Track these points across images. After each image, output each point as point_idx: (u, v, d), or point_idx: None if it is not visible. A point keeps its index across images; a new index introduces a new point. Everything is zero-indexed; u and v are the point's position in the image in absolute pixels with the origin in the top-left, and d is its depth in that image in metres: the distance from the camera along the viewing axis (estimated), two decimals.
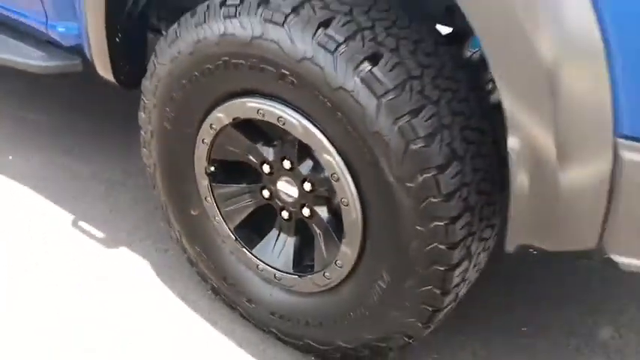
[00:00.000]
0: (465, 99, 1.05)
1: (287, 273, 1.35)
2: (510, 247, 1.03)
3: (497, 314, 1.53)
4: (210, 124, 1.27)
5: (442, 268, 1.08)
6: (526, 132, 0.90)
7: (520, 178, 0.95)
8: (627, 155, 0.86)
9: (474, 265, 1.16)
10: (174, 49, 1.24)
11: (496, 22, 0.89)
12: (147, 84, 1.35)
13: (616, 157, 0.87)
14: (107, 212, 1.83)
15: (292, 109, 1.13)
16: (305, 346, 1.39)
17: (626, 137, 0.85)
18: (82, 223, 1.77)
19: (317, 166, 1.20)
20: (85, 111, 2.32)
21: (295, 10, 1.06)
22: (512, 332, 1.49)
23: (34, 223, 1.78)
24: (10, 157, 2.05)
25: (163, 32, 1.43)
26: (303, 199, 1.26)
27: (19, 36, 1.79)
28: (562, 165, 0.90)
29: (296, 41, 1.05)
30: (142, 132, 1.43)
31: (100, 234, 1.74)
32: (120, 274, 1.62)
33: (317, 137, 1.12)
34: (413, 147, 1.00)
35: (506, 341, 1.47)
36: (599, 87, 0.83)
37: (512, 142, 0.92)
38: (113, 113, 2.22)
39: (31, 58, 1.72)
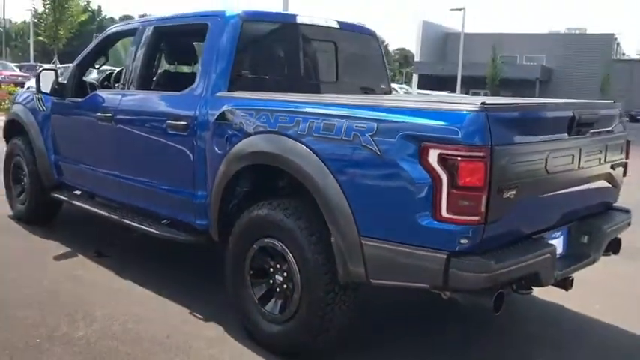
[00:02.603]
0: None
1: (276, 314, 3.23)
2: (342, 281, 2.92)
3: None
4: (252, 250, 3.32)
5: (323, 282, 2.97)
6: (336, 236, 2.88)
7: (337, 255, 2.89)
8: (364, 242, 2.81)
9: (340, 293, 3.01)
10: (240, 223, 3.36)
11: (322, 197, 2.93)
12: (231, 238, 3.45)
13: (362, 243, 2.81)
14: (211, 307, 3.80)
15: (277, 239, 3.16)
16: (276, 346, 3.20)
17: (362, 233, 2.80)
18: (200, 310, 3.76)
19: (288, 266, 3.17)
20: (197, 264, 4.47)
21: (281, 205, 3.19)
22: None
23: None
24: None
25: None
26: (284, 281, 3.21)
27: (174, 225, 4.04)
28: (347, 249, 2.86)
29: (277, 213, 3.14)
30: (228, 261, 3.48)
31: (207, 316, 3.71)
32: (216, 329, 3.54)
33: (285, 249, 3.11)
34: (312, 246, 3.00)
35: None
36: (350, 219, 2.83)
37: (332, 239, 2.90)
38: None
39: (183, 236, 3.92)
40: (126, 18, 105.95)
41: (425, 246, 2.64)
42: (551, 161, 2.89)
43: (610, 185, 3.57)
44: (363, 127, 2.79)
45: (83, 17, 15.96)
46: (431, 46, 59.25)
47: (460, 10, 41.43)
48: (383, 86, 4.74)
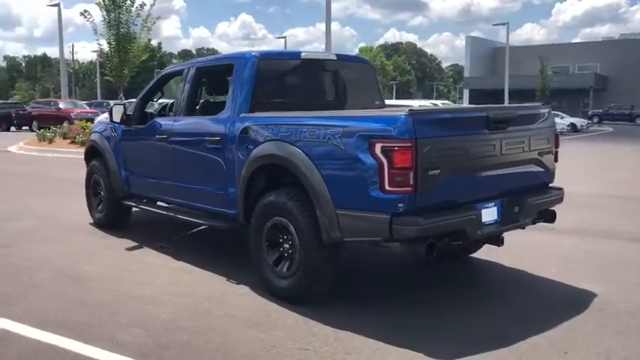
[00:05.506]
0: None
1: (284, 272, 4.43)
2: (326, 243, 4.09)
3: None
4: (266, 227, 4.54)
5: (314, 244, 4.15)
6: (319, 210, 4.06)
7: (321, 224, 4.06)
8: (338, 212, 3.98)
9: (327, 252, 4.18)
10: (258, 207, 4.59)
11: (308, 183, 4.12)
12: (252, 219, 4.68)
13: (337, 213, 3.98)
14: (241, 276, 5.03)
15: (283, 217, 4.35)
16: (286, 297, 4.39)
17: (337, 207, 3.98)
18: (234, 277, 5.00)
19: (291, 236, 4.36)
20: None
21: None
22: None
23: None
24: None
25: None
26: (289, 247, 4.41)
27: (208, 215, 5.32)
28: (327, 219, 4.03)
29: (281, 198, 4.36)
30: (250, 236, 4.71)
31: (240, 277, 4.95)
32: (243, 288, 4.78)
33: (288, 223, 4.31)
34: (305, 219, 4.19)
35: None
36: (328, 198, 4.00)
37: (317, 213, 4.07)
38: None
39: (220, 222, 5.19)
40: (185, 53, 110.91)
41: (377, 210, 3.78)
42: (473, 149, 4.00)
43: (541, 168, 4.62)
44: (333, 132, 3.98)
45: (144, 57, 17.78)
46: (480, 61, 59.67)
47: (504, 24, 42.09)
48: (377, 102, 5.91)
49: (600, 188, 10.57)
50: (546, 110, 4.72)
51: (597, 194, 9.83)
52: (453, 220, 3.87)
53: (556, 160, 4.77)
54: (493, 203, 4.28)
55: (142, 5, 17.36)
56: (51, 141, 19.10)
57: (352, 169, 3.90)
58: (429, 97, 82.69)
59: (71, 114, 28.13)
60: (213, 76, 5.79)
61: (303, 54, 5.42)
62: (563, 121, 37.13)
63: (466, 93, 58.80)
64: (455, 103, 38.07)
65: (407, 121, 3.68)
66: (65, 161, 15.38)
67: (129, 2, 17.34)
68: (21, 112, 33.21)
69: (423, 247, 3.79)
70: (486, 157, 4.13)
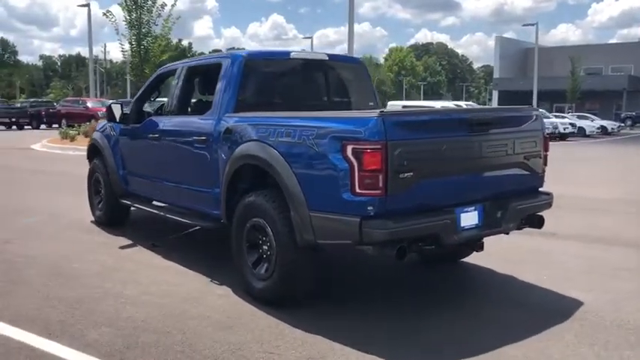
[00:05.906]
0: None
1: (262, 273, 4.38)
2: (300, 245, 4.02)
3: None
4: (246, 228, 4.50)
5: (289, 246, 4.10)
6: (293, 212, 4.00)
7: (295, 226, 4.00)
8: (312, 214, 3.91)
9: (302, 254, 4.11)
10: (239, 208, 4.56)
11: (283, 183, 4.07)
12: (234, 219, 4.65)
13: (310, 215, 3.92)
14: (225, 278, 5.00)
15: (261, 218, 4.31)
16: (263, 299, 4.34)
17: (310, 209, 3.91)
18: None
19: (268, 237, 4.31)
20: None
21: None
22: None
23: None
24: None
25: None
26: (268, 249, 4.36)
27: (196, 215, 5.30)
28: (301, 221, 3.97)
29: (259, 199, 4.31)
30: (232, 238, 4.67)
31: (222, 279, 4.92)
32: (223, 286, 4.75)
33: (266, 224, 4.27)
34: (281, 221, 4.14)
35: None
36: (302, 199, 3.94)
37: (292, 214, 4.02)
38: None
39: (203, 222, 5.17)
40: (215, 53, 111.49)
41: (347, 213, 3.70)
42: (451, 152, 3.89)
43: (527, 172, 4.47)
44: (308, 133, 3.92)
45: (164, 57, 17.95)
46: (511, 61, 58.69)
47: (533, 25, 41.40)
48: (371, 103, 5.81)
49: (618, 193, 10.26)
50: (535, 112, 4.58)
51: (614, 199, 9.55)
52: (426, 224, 3.77)
53: (545, 163, 4.62)
54: (474, 207, 4.16)
55: (163, 5, 17.54)
56: (73, 139, 19.44)
57: (325, 170, 3.83)
58: (459, 99, 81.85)
59: (98, 112, 28.58)
60: (203, 75, 5.78)
61: (292, 54, 5.37)
62: (593, 123, 36.40)
63: (495, 94, 57.96)
64: (485, 104, 37.56)
65: (377, 122, 3.59)
66: (84, 159, 15.58)
67: (150, 2, 17.53)
68: (51, 110, 33.95)
69: (393, 250, 3.69)
70: (466, 160, 4.02)
